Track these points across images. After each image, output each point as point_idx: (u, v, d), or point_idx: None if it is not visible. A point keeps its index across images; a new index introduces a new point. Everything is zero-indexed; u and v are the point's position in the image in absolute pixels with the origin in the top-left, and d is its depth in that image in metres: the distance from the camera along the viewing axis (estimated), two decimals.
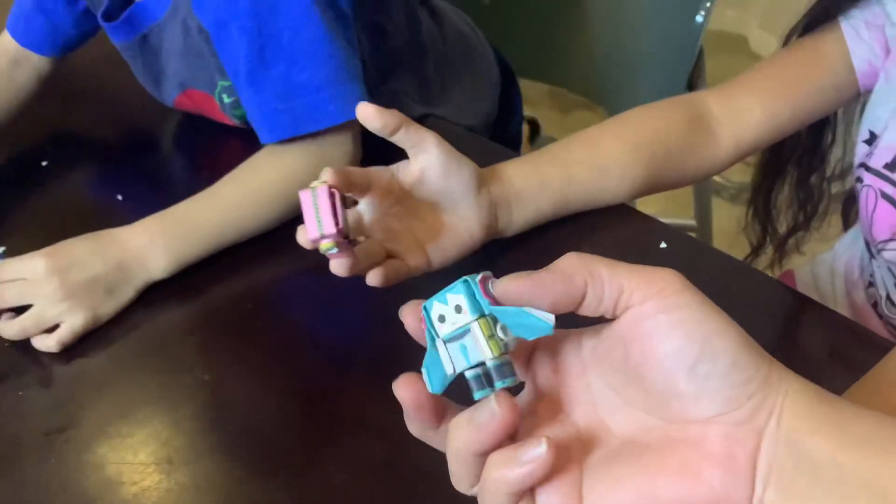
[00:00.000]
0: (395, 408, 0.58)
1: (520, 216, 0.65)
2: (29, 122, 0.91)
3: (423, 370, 0.34)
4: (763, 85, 0.73)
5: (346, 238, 0.54)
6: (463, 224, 0.61)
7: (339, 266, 0.55)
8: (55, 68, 0.93)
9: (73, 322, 0.66)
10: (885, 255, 0.69)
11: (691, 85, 1.19)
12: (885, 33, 0.69)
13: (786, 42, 0.76)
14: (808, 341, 0.63)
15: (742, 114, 0.72)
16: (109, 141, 0.94)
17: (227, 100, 0.84)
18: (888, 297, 0.73)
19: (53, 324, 0.66)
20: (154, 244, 0.69)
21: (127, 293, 0.69)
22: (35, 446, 0.58)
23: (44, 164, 0.88)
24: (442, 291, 0.33)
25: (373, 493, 0.54)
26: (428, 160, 0.59)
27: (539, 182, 0.66)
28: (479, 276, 0.33)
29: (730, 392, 0.30)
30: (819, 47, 0.72)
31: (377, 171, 0.59)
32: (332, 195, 0.53)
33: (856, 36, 0.70)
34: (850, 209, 0.91)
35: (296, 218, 0.75)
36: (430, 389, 0.33)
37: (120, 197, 0.81)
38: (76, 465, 0.57)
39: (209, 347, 0.65)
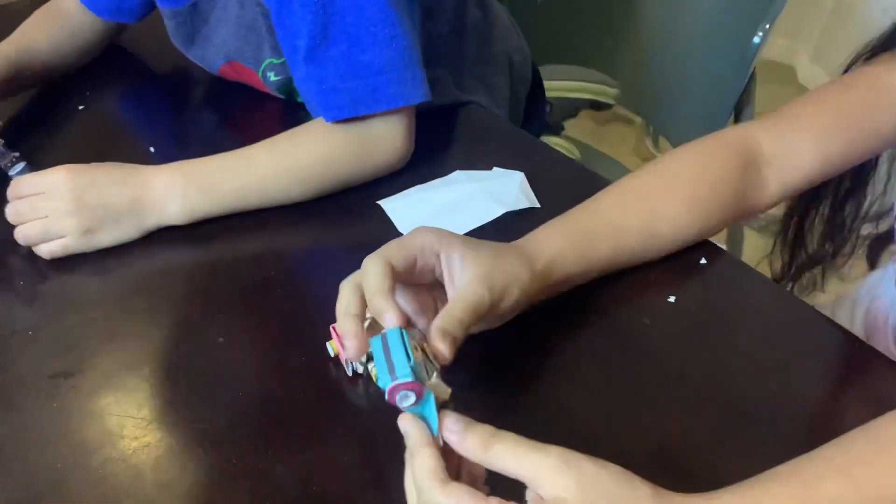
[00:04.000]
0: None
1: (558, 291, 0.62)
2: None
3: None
4: (818, 122, 0.67)
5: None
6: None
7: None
8: (122, 28, 0.95)
9: (70, 239, 0.67)
10: None
11: (738, 108, 1.16)
12: None
13: (848, 68, 0.70)
14: (847, 378, 0.61)
15: (793, 156, 0.67)
16: (148, 94, 0.93)
17: (273, 77, 0.83)
18: None
19: (57, 237, 0.67)
20: (172, 189, 0.69)
21: (132, 229, 0.69)
22: (39, 389, 0.57)
23: (80, 108, 0.87)
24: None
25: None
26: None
27: (587, 265, 0.62)
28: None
29: None
30: (881, 80, 0.66)
31: (420, 269, 0.54)
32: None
33: None
34: (877, 250, 0.87)
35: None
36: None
37: (152, 149, 0.80)
38: (78, 413, 0.56)
39: (226, 311, 0.64)
